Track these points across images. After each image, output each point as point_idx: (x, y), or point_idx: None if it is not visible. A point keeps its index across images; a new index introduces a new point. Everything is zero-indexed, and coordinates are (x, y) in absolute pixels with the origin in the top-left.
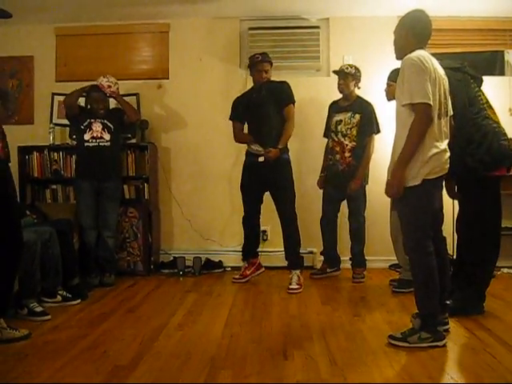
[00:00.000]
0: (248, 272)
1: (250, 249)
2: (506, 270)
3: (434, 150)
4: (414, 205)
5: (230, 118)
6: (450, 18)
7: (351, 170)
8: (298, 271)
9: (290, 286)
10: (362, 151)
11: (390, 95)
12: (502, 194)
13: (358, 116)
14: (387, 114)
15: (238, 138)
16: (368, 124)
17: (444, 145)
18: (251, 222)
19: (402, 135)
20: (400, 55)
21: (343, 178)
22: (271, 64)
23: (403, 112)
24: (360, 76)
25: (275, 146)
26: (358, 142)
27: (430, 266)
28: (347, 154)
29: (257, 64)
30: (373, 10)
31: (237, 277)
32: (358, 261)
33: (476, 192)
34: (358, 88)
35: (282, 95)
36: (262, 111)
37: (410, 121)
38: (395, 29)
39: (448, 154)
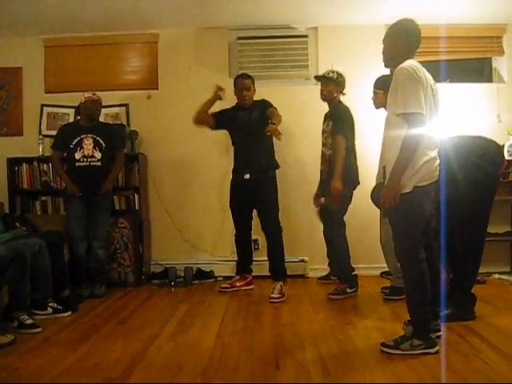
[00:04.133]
0: (238, 284)
1: (245, 264)
2: (496, 276)
3: (425, 158)
4: (405, 212)
5: (212, 114)
6: (438, 25)
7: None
8: (280, 282)
9: (272, 295)
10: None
11: (378, 103)
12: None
13: (331, 123)
14: (375, 122)
15: (202, 118)
16: (334, 125)
17: (434, 152)
18: (243, 239)
19: (394, 143)
20: (390, 64)
21: (326, 187)
22: (253, 81)
23: (395, 121)
24: (343, 82)
25: (272, 122)
26: (334, 151)
27: (421, 272)
28: (326, 164)
29: (236, 82)
30: (361, 18)
31: (224, 285)
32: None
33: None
34: (343, 94)
35: (264, 108)
36: (250, 138)
37: (403, 130)
38: (384, 37)
39: (438, 161)
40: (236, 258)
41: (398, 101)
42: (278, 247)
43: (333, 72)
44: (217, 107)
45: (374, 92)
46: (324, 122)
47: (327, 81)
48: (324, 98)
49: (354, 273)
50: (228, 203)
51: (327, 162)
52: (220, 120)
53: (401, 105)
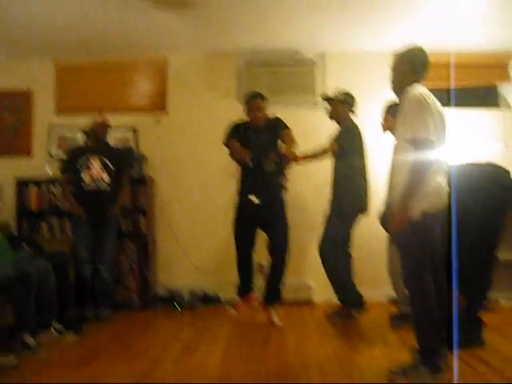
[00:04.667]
0: (246, 304)
1: (249, 285)
2: (503, 301)
3: (434, 184)
4: (413, 238)
5: (226, 142)
6: (445, 53)
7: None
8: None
9: (274, 319)
10: (337, 176)
11: (386, 127)
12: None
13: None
14: (382, 147)
15: (238, 153)
16: (336, 136)
17: (443, 178)
18: (246, 262)
19: (402, 169)
20: (398, 90)
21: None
22: (266, 102)
23: (404, 146)
24: (352, 100)
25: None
26: (336, 168)
27: (428, 298)
28: (333, 182)
29: (249, 102)
30: (368, 45)
31: (229, 312)
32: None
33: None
34: (354, 113)
35: (276, 130)
36: (259, 160)
37: (411, 155)
38: (393, 64)
39: (446, 188)
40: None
41: (406, 126)
42: (283, 271)
43: (339, 93)
44: (218, 140)
45: (384, 118)
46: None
47: (334, 101)
48: (331, 118)
49: (358, 291)
50: (232, 228)
51: (333, 180)
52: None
53: (409, 130)
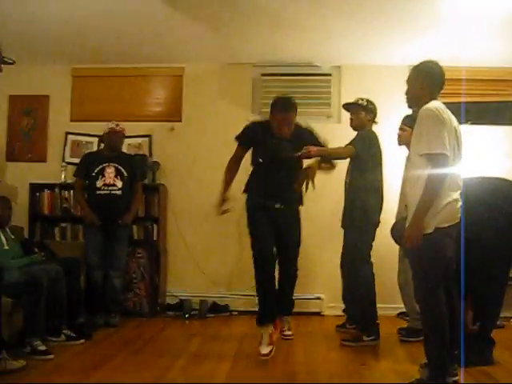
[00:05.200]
0: (275, 337)
1: (273, 308)
2: None
3: (448, 199)
4: (426, 253)
5: (239, 141)
6: (460, 67)
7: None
8: (289, 317)
9: (286, 332)
10: (354, 186)
11: (403, 140)
12: None
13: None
14: (395, 160)
15: (232, 168)
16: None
17: (457, 194)
18: (269, 274)
19: (417, 184)
20: (413, 104)
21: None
22: (296, 111)
23: (418, 161)
24: (374, 109)
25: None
26: (351, 177)
27: (440, 315)
28: (346, 193)
29: (277, 112)
30: (384, 58)
31: (266, 352)
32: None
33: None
34: (375, 123)
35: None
36: (281, 164)
37: (426, 169)
38: (408, 78)
39: (460, 203)
40: (256, 300)
41: (422, 141)
42: (294, 283)
43: (362, 99)
44: (232, 150)
45: (402, 128)
46: None
47: (357, 108)
48: (354, 126)
49: (377, 321)
50: (249, 234)
51: (346, 191)
52: (247, 146)
53: (425, 145)
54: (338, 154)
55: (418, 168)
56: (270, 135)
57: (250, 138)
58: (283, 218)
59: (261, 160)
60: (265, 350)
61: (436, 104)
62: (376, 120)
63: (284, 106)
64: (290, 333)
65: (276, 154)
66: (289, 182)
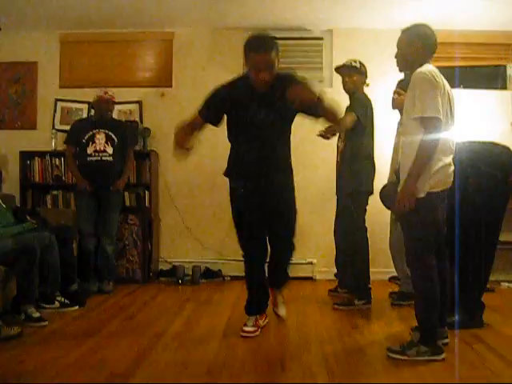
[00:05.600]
0: (261, 322)
1: (263, 301)
2: (506, 284)
3: (440, 164)
4: (418, 217)
5: (202, 114)
6: (453, 31)
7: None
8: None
9: (280, 310)
10: (351, 152)
11: (397, 104)
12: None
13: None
14: (387, 126)
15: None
16: (350, 105)
17: (449, 159)
18: (259, 267)
19: (410, 148)
20: (405, 68)
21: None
22: (277, 51)
23: (411, 125)
24: (366, 72)
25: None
26: (349, 143)
27: (431, 279)
28: (338, 158)
29: (251, 55)
30: (376, 22)
31: (247, 330)
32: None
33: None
34: (367, 85)
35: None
36: (265, 138)
37: (419, 133)
38: (400, 42)
39: (452, 167)
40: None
41: (415, 105)
42: (288, 261)
43: (355, 61)
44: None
45: (398, 92)
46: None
47: (351, 70)
48: (348, 89)
49: (369, 286)
50: (234, 222)
51: (340, 156)
52: (213, 118)
53: (418, 109)
54: (337, 120)
55: (410, 132)
56: (248, 93)
57: (214, 110)
58: (271, 197)
59: (236, 133)
60: (248, 328)
61: (429, 68)
62: (367, 81)
63: (260, 44)
64: (282, 313)
65: (261, 126)
66: (274, 155)
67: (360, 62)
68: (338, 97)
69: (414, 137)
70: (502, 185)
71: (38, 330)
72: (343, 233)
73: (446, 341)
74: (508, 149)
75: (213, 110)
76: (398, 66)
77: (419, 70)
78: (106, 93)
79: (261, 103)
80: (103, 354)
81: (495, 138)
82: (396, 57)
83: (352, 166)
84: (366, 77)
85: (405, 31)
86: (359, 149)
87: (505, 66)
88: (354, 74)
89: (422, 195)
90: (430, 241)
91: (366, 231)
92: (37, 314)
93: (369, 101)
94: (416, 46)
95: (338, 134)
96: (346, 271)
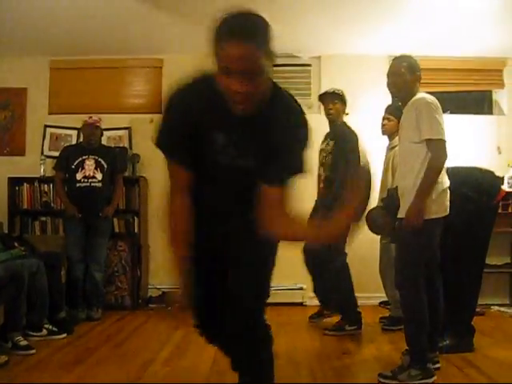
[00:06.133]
0: None
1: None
2: (495, 308)
3: (442, 187)
4: (416, 241)
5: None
6: (440, 58)
7: (324, 200)
8: None
9: None
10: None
11: (387, 130)
12: (492, 233)
13: (331, 142)
14: (376, 151)
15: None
16: (340, 147)
17: (448, 183)
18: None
19: (411, 171)
20: (402, 95)
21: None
22: (268, 44)
23: (413, 148)
24: (346, 101)
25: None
26: (334, 172)
27: (420, 302)
28: (321, 185)
29: (225, 48)
30: (364, 48)
31: None
32: None
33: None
34: (346, 114)
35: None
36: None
37: (423, 156)
38: (396, 70)
39: (449, 193)
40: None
41: (420, 128)
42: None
43: (338, 90)
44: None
45: (388, 118)
46: (324, 142)
47: (334, 98)
48: (331, 116)
49: (359, 311)
50: None
51: (324, 184)
52: (184, 156)
53: (426, 131)
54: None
55: (411, 156)
56: (218, 120)
57: (176, 140)
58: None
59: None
60: None
61: (428, 95)
62: (346, 111)
63: (239, 26)
64: None
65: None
66: (243, 202)
67: (342, 91)
68: (326, 123)
69: (416, 160)
70: (486, 209)
71: (25, 359)
72: (322, 258)
73: (438, 365)
74: (492, 173)
75: (179, 142)
76: (394, 93)
77: (421, 95)
78: (90, 117)
79: (238, 137)
80: (91, 383)
81: (482, 162)
82: (391, 85)
83: (334, 195)
84: (346, 106)
85: (399, 60)
86: (342, 178)
87: (491, 92)
88: (337, 102)
89: (425, 217)
90: (422, 265)
91: (346, 256)
92: (24, 342)
93: (352, 132)
94: (412, 76)
95: (321, 160)
96: (331, 297)
